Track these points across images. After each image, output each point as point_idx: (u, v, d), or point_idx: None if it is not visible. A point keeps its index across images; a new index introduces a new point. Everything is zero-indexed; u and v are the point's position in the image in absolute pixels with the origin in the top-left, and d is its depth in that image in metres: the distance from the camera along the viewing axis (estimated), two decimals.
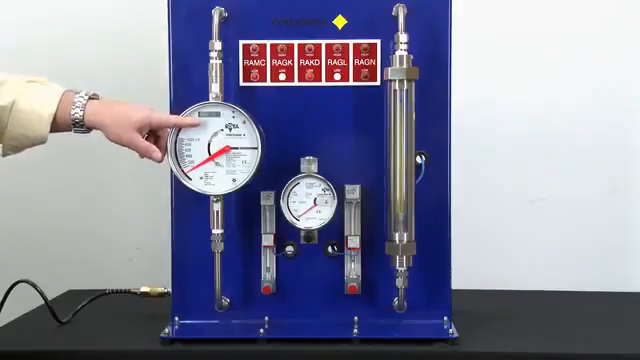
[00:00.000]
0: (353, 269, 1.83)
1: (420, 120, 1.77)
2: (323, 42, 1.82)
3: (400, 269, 1.77)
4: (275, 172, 1.80)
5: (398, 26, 1.75)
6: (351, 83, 1.82)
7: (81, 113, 1.67)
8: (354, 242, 1.82)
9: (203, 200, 1.78)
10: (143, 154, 1.72)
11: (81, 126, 1.68)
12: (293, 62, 1.82)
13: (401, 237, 1.76)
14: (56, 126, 1.68)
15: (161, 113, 1.74)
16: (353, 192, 1.81)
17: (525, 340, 1.79)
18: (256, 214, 1.83)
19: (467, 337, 1.77)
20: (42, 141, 1.68)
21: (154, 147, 1.72)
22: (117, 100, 1.73)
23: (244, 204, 1.83)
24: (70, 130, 1.70)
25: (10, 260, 2.46)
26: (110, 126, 1.69)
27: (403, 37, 1.74)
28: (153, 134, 1.75)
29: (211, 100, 1.75)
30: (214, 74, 1.76)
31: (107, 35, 2.48)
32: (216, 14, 1.78)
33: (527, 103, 2.46)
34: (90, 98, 1.69)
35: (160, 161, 1.73)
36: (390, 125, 1.76)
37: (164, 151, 1.74)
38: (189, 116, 1.73)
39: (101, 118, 1.68)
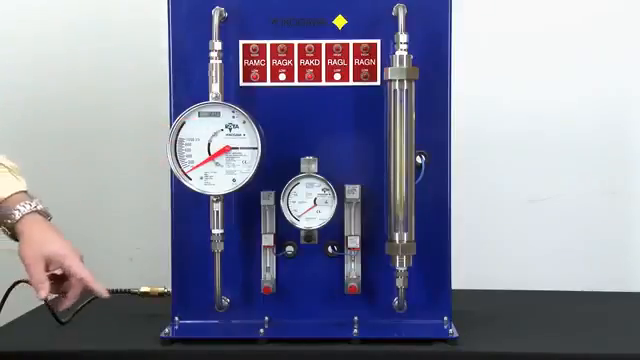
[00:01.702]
0: (353, 269, 1.83)
1: (420, 120, 1.77)
2: (323, 42, 1.82)
3: (400, 269, 1.77)
4: (275, 172, 1.80)
5: (398, 26, 1.75)
6: (351, 83, 1.82)
7: (16, 218, 1.64)
8: (354, 242, 1.82)
9: (203, 200, 1.78)
10: (32, 283, 1.63)
11: (7, 226, 1.65)
12: (293, 62, 1.82)
13: (401, 237, 1.76)
14: None
15: (79, 264, 1.65)
16: (353, 192, 1.81)
17: (525, 340, 1.79)
18: (256, 214, 1.83)
19: (467, 337, 1.77)
20: None
21: (46, 284, 1.62)
22: (54, 229, 1.67)
23: (244, 204, 1.83)
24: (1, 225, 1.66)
25: (10, 260, 2.46)
26: (25, 243, 1.64)
27: (403, 37, 1.74)
28: (64, 278, 1.67)
29: (211, 100, 1.75)
30: (214, 74, 1.76)
31: (107, 35, 2.48)
32: (216, 14, 1.77)
33: (527, 103, 2.46)
34: (32, 212, 1.66)
35: (43, 299, 1.65)
36: (390, 125, 1.76)
37: (68, 302, 1.66)
38: (189, 116, 1.73)
39: (24, 230, 1.64)
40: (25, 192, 1.70)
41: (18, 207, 1.66)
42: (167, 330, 1.79)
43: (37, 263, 1.63)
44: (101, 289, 1.67)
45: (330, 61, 1.82)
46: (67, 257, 1.64)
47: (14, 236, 1.67)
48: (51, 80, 2.48)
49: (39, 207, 1.68)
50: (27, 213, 1.66)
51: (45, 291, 1.62)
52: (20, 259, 1.64)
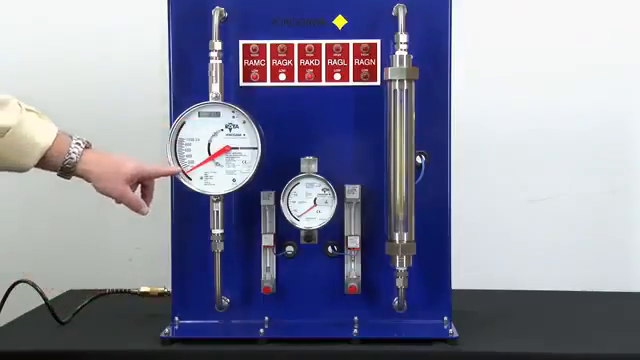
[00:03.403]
0: (353, 269, 1.83)
1: (420, 120, 1.77)
2: (323, 42, 1.82)
3: (400, 269, 1.77)
4: (275, 172, 1.80)
5: (398, 26, 1.75)
6: (351, 83, 1.82)
7: (75, 161, 1.65)
8: (354, 242, 1.82)
9: (203, 200, 1.78)
10: (132, 208, 1.71)
11: (69, 172, 1.67)
12: (293, 62, 1.82)
13: (401, 237, 1.76)
14: (42, 162, 1.65)
15: (150, 165, 1.73)
16: (353, 192, 1.81)
17: (525, 340, 1.79)
18: (256, 214, 1.83)
19: (467, 337, 1.77)
20: (23, 170, 1.66)
21: (142, 202, 1.73)
22: (106, 152, 1.71)
23: (244, 204, 1.83)
24: (52, 170, 1.67)
25: (10, 260, 2.46)
26: (102, 179, 1.68)
27: (403, 37, 1.74)
28: (141, 184, 1.75)
29: (211, 100, 1.75)
30: (214, 74, 1.76)
31: (107, 35, 2.48)
32: (216, 14, 1.78)
33: (527, 103, 2.46)
34: (85, 147, 1.67)
35: (145, 214, 1.73)
36: (390, 125, 1.76)
37: (150, 201, 1.75)
38: (189, 116, 1.74)
39: (93, 170, 1.67)
40: (60, 131, 1.68)
41: (71, 151, 1.66)
42: (167, 330, 1.79)
43: (125, 191, 1.69)
44: (175, 169, 1.74)
45: (330, 61, 1.82)
46: (140, 168, 1.71)
47: (68, 175, 1.68)
48: (50, 80, 2.48)
49: (84, 144, 1.68)
50: (81, 154, 1.66)
51: (145, 207, 1.73)
52: (103, 194, 1.70)
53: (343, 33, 1.81)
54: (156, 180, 1.77)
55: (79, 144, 1.67)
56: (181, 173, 1.75)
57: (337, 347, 1.74)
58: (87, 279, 2.34)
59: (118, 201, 1.71)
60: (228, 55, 1.80)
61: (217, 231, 1.78)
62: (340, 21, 1.81)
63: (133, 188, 1.72)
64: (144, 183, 1.75)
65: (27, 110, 1.64)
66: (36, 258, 2.50)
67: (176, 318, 1.85)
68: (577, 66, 2.45)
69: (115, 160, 1.70)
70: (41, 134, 1.64)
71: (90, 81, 2.49)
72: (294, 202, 1.78)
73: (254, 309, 1.85)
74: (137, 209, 1.72)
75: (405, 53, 1.74)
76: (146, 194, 1.76)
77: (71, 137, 1.67)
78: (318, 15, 1.81)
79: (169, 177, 1.81)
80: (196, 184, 1.76)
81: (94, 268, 2.50)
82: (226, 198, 1.78)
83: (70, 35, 2.49)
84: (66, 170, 1.67)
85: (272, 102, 1.82)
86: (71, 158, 1.66)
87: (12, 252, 2.51)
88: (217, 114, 1.75)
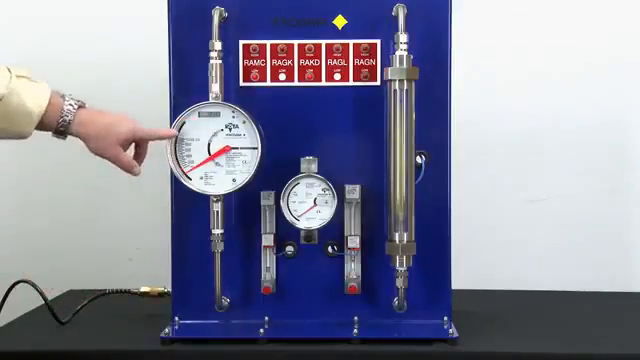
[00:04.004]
0: (353, 269, 1.83)
1: (420, 120, 1.77)
2: (323, 42, 1.82)
3: (400, 269, 1.77)
4: (275, 172, 1.80)
5: (398, 26, 1.75)
6: (351, 83, 1.82)
7: (68, 122, 1.66)
8: (354, 242, 1.82)
9: (203, 200, 1.78)
10: (124, 169, 1.72)
11: (63, 133, 1.67)
12: (293, 62, 1.82)
13: (401, 237, 1.76)
14: (39, 126, 1.66)
15: (144, 127, 1.74)
16: (353, 192, 1.81)
17: (525, 340, 1.79)
18: (256, 214, 1.83)
19: (467, 337, 1.77)
20: (23, 137, 1.66)
21: (134, 162, 1.73)
22: (101, 110, 1.72)
23: (244, 204, 1.83)
24: (47, 131, 1.68)
25: (10, 260, 2.46)
26: (95, 139, 1.68)
27: (403, 37, 1.74)
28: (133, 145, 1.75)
29: (211, 100, 1.75)
30: (214, 74, 1.76)
31: (106, 35, 2.48)
32: (216, 14, 1.78)
33: (527, 103, 2.46)
34: (79, 107, 1.68)
35: (137, 174, 1.74)
36: (390, 125, 1.76)
37: (142, 161, 1.76)
38: (189, 116, 1.74)
39: (86, 130, 1.68)
40: (53, 91, 1.68)
41: (64, 112, 1.66)
42: (167, 330, 1.79)
43: (117, 152, 1.69)
44: (170, 132, 1.74)
45: (330, 61, 1.82)
46: (134, 130, 1.71)
47: (64, 134, 1.68)
48: (50, 80, 2.48)
49: (77, 104, 1.68)
50: (74, 114, 1.66)
51: (137, 168, 1.73)
52: (95, 154, 1.70)
53: (343, 33, 1.81)
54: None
55: (72, 104, 1.67)
56: (181, 173, 1.75)
57: (337, 347, 1.74)
58: (87, 279, 2.34)
59: (111, 161, 1.71)
60: (228, 55, 1.80)
61: (217, 231, 1.78)
62: (340, 21, 1.81)
63: (125, 148, 1.72)
64: (138, 143, 1.75)
65: (17, 77, 1.63)
66: (36, 258, 2.50)
67: (176, 318, 1.85)
68: (577, 66, 2.45)
69: (109, 121, 1.70)
70: (33, 100, 1.64)
71: (90, 81, 2.48)
72: (294, 202, 1.78)
73: (254, 309, 1.85)
74: (129, 170, 1.72)
75: (405, 53, 1.74)
76: (139, 153, 1.76)
77: (63, 97, 1.68)
78: (318, 15, 1.81)
79: (170, 178, 1.80)
80: (196, 184, 1.76)
81: (94, 268, 2.50)
82: (226, 198, 1.78)
83: (70, 35, 2.49)
84: (60, 131, 1.67)
85: (272, 102, 1.82)
86: (64, 120, 1.66)
87: (12, 252, 2.51)
88: (217, 114, 1.75)
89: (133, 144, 1.75)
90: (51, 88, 1.68)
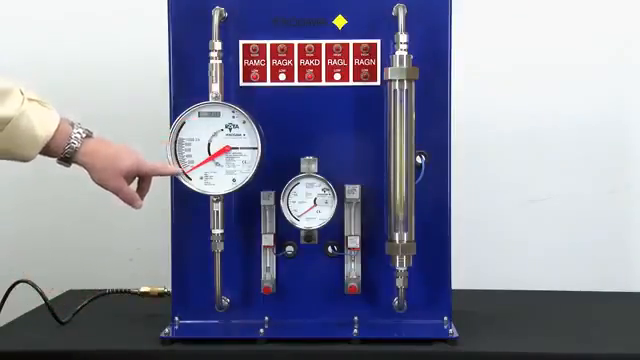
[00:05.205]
0: (353, 269, 1.83)
1: (420, 120, 1.77)
2: (323, 42, 1.82)
3: (400, 269, 1.77)
4: (275, 172, 1.80)
5: (398, 26, 1.75)
6: (351, 83, 1.82)
7: (74, 150, 1.66)
8: (354, 242, 1.82)
9: (203, 200, 1.78)
10: (126, 202, 1.72)
11: (68, 160, 1.67)
12: (293, 62, 1.82)
13: (401, 237, 1.76)
14: (43, 150, 1.65)
15: (149, 162, 1.73)
16: (353, 192, 1.81)
17: (525, 340, 1.79)
18: (256, 214, 1.83)
19: (467, 337, 1.77)
20: (25, 161, 1.66)
21: (137, 196, 1.73)
22: (107, 141, 1.71)
23: (244, 204, 1.83)
24: (52, 157, 1.68)
25: (10, 260, 2.46)
26: (99, 170, 1.68)
27: (403, 37, 1.74)
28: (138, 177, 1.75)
29: (211, 100, 1.75)
30: (214, 74, 1.76)
31: (106, 34, 2.48)
32: (216, 14, 1.78)
33: (527, 103, 2.46)
34: (87, 136, 1.68)
35: (139, 208, 1.74)
36: (390, 125, 1.76)
37: (144, 195, 1.76)
38: (189, 116, 1.74)
39: (92, 160, 1.68)
40: (62, 119, 1.68)
41: (71, 140, 1.66)
42: (167, 330, 1.79)
43: (122, 185, 1.70)
44: (175, 169, 1.75)
45: (330, 61, 1.82)
46: (138, 165, 1.71)
47: (68, 162, 1.69)
48: (50, 80, 2.48)
49: (85, 133, 1.68)
50: (81, 143, 1.66)
51: (139, 201, 1.74)
52: (98, 185, 1.70)
53: (343, 33, 1.81)
54: (156, 182, 1.77)
55: (80, 133, 1.67)
56: (181, 173, 1.75)
57: (337, 347, 1.74)
58: (87, 279, 2.34)
59: (114, 193, 1.71)
60: (228, 55, 1.80)
61: (217, 231, 1.78)
62: (340, 21, 1.81)
63: (129, 181, 1.72)
64: (141, 177, 1.75)
65: (29, 100, 1.63)
66: (36, 258, 2.50)
67: (176, 318, 1.85)
68: (577, 66, 2.45)
69: (114, 153, 1.70)
70: (42, 125, 1.63)
71: (90, 81, 2.49)
72: (294, 202, 1.78)
73: (254, 309, 1.85)
74: (131, 203, 1.72)
75: (405, 53, 1.74)
76: (142, 188, 1.76)
77: (72, 125, 1.68)
78: (318, 15, 1.81)
79: (170, 178, 1.80)
80: (196, 184, 1.76)
81: (94, 268, 2.50)
82: (226, 198, 1.78)
83: (70, 35, 2.49)
84: (65, 158, 1.67)
85: (272, 102, 1.82)
86: (70, 148, 1.66)
87: (12, 252, 2.51)
88: (217, 114, 1.75)
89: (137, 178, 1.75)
90: (61, 115, 1.67)
